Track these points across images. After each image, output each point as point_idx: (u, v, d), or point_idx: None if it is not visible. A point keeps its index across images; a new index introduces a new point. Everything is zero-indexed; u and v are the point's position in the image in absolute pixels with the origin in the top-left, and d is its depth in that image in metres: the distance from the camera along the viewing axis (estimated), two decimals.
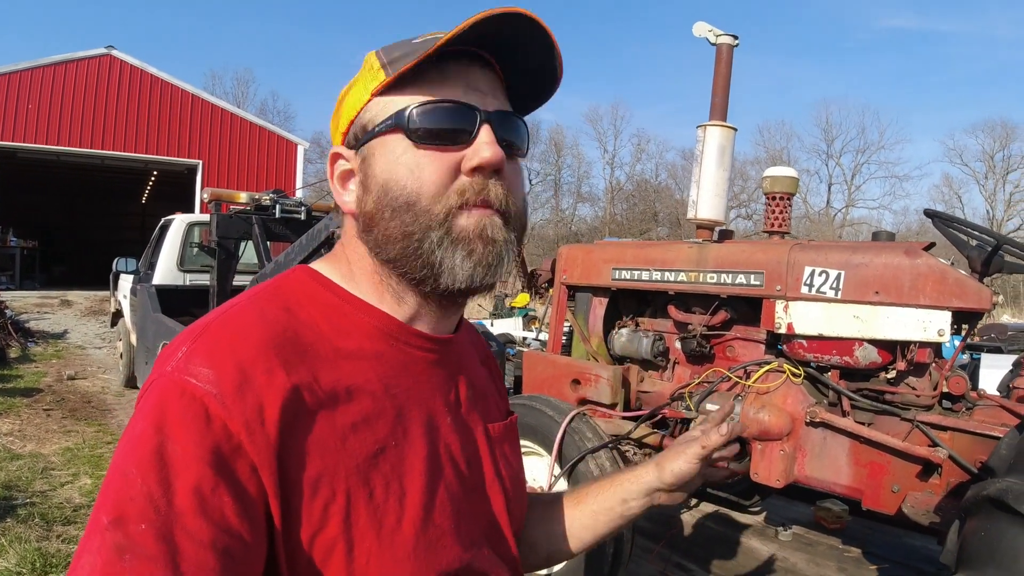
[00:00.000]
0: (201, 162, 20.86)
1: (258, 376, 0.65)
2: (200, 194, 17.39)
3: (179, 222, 7.74)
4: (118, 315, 9.09)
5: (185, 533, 0.58)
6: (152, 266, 7.63)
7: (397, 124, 0.74)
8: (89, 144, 19.30)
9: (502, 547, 0.87)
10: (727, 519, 4.45)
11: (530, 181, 45.82)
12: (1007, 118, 39.85)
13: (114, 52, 19.69)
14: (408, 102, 0.74)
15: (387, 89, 0.75)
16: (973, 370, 7.08)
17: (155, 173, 23.30)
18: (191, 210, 17.19)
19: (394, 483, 0.72)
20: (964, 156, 40.95)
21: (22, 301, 16.34)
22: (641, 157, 46.88)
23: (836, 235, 35.83)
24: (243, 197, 6.68)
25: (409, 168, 0.73)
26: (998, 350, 7.72)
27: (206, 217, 6.96)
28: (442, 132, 0.73)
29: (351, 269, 0.81)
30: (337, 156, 0.81)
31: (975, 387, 2.70)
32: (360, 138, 0.77)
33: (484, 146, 0.73)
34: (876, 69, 64.99)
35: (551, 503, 1.08)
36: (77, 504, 4.38)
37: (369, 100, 0.76)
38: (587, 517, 1.06)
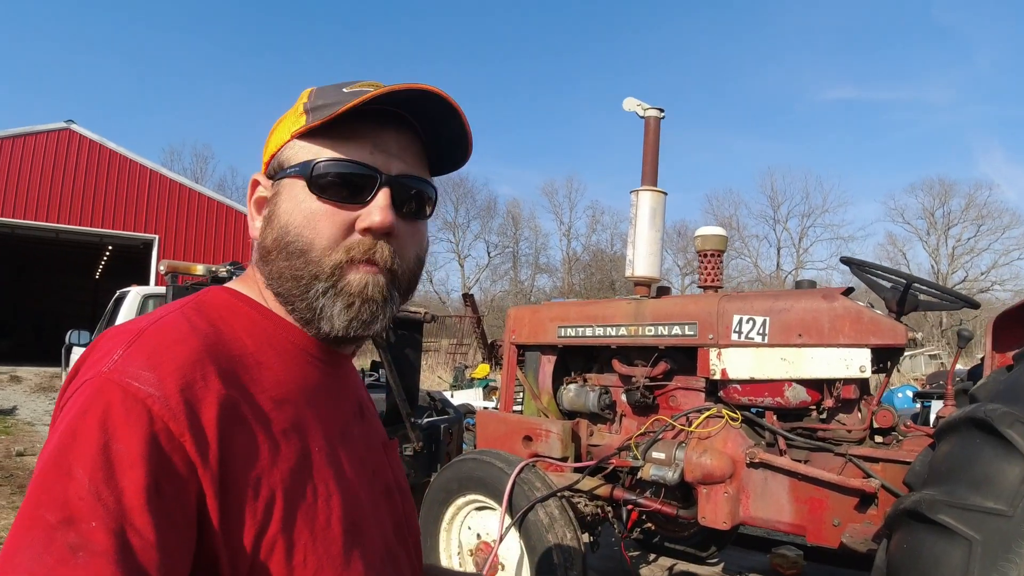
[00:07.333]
0: (157, 237, 20.73)
1: (197, 382, 0.68)
2: (156, 267, 17.22)
3: (134, 294, 7.70)
4: None
5: (133, 530, 0.60)
6: None
7: (302, 173, 0.80)
8: (44, 217, 19.09)
9: (408, 545, 0.95)
10: (684, 571, 4.48)
11: (488, 253, 46.49)
12: (944, 176, 42.00)
13: (73, 126, 19.72)
14: (316, 154, 0.80)
15: (305, 134, 0.81)
16: (924, 418, 7.26)
17: (110, 247, 23.03)
18: (146, 284, 17.02)
19: (320, 486, 0.77)
20: (905, 215, 42.99)
21: None
22: (596, 228, 48.22)
23: None
24: (200, 269, 6.70)
25: (306, 217, 0.79)
26: None
27: (162, 289, 6.95)
28: (340, 190, 0.79)
29: (260, 290, 0.86)
30: (257, 183, 0.87)
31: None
32: (276, 173, 0.83)
33: (377, 210, 0.79)
34: (818, 138, 68.43)
35: None
36: None
37: (289, 139, 0.82)
38: None
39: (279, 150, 0.83)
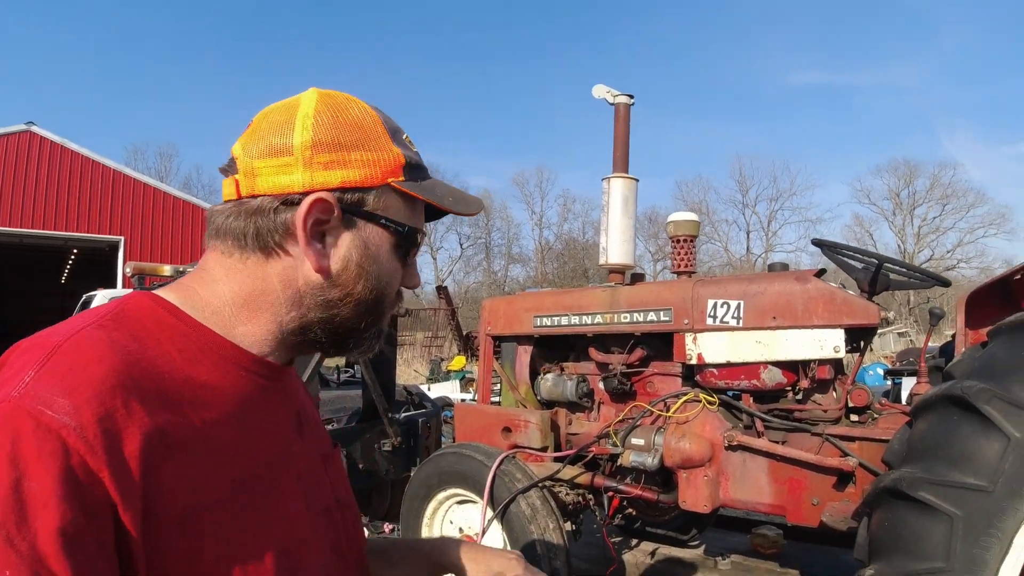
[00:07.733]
0: (123, 238, 20.33)
1: (118, 410, 0.63)
2: (123, 269, 16.95)
3: (101, 298, 7.58)
4: None
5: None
6: None
7: (404, 235, 0.84)
8: (7, 223, 18.57)
9: (349, 561, 0.92)
10: (666, 555, 4.50)
11: (461, 245, 46.63)
12: (910, 157, 42.63)
13: (34, 128, 19.21)
14: (408, 217, 0.85)
15: (396, 188, 0.83)
16: (896, 395, 7.39)
17: (75, 251, 22.58)
18: (113, 287, 16.67)
19: (253, 514, 0.74)
20: (872, 196, 43.66)
21: None
22: (568, 216, 48.32)
23: None
24: (167, 270, 6.60)
25: (389, 273, 0.85)
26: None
27: (129, 291, 6.81)
28: (413, 254, 0.88)
29: (202, 301, 0.80)
30: (322, 201, 0.77)
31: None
32: (355, 209, 0.80)
33: (417, 273, 0.92)
34: (786, 122, 69.26)
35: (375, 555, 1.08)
36: None
37: (383, 183, 0.81)
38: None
39: (367, 186, 0.80)
